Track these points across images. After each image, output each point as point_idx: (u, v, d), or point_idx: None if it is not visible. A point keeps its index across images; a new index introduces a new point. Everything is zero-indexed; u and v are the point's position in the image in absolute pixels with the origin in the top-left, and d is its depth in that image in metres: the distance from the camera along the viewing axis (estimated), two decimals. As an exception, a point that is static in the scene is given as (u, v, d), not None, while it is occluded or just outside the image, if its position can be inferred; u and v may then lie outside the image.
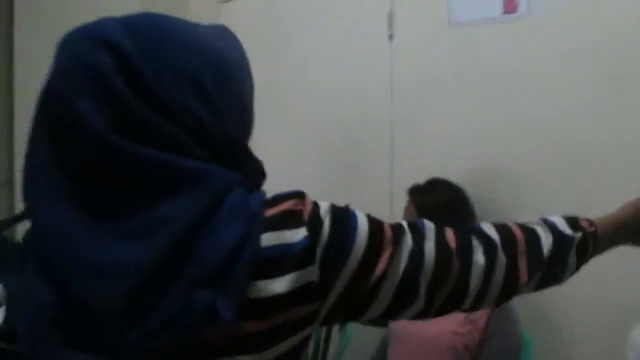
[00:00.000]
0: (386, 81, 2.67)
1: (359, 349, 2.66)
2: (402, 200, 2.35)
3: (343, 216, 0.92)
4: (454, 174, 2.38)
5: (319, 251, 0.88)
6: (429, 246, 0.96)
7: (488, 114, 2.47)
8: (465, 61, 2.50)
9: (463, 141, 2.52)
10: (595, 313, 2.24)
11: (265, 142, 2.83)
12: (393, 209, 2.60)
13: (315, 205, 0.92)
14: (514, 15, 2.36)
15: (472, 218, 2.33)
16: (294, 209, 0.89)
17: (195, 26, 0.95)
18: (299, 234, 0.87)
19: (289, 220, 0.88)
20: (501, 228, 1.04)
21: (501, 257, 1.01)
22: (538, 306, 2.35)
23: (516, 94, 2.42)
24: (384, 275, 0.92)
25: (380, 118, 2.69)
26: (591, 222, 1.14)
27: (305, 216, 0.89)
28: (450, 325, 2.19)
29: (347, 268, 0.89)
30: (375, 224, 0.94)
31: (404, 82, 2.65)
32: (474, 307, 1.02)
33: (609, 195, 1.94)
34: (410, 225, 0.98)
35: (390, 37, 2.65)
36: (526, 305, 2.27)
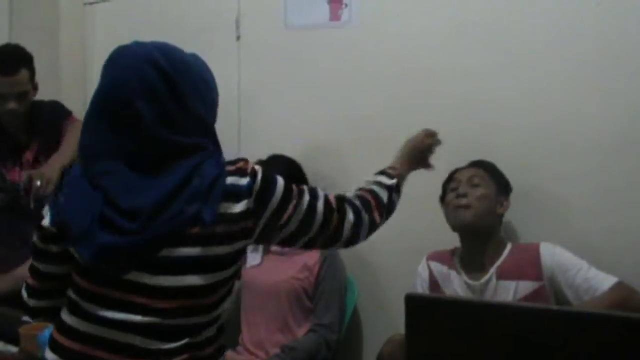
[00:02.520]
0: (234, 75, 3.04)
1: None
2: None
3: (269, 175, 1.50)
4: (290, 151, 2.74)
5: (254, 191, 1.44)
6: (320, 203, 1.56)
7: (318, 103, 2.86)
8: (299, 59, 2.88)
9: (298, 124, 2.90)
10: (400, 255, 2.68)
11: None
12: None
13: (254, 167, 1.48)
14: (338, 22, 2.77)
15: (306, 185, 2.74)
16: (243, 167, 1.47)
17: (192, 55, 1.52)
18: (245, 180, 1.44)
19: (241, 172, 1.46)
20: (359, 197, 1.69)
21: (364, 215, 1.65)
22: (361, 253, 2.75)
23: (340, 88, 2.81)
24: (292, 214, 1.50)
25: (230, 105, 2.99)
26: (394, 168, 1.88)
27: (248, 170, 1.46)
28: (290, 272, 2.61)
29: (270, 204, 1.47)
30: (288, 184, 1.52)
31: (250, 75, 3.02)
32: (348, 245, 1.65)
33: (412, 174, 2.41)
34: (309, 189, 1.57)
35: (238, 37, 3.03)
36: (352, 253, 2.74)
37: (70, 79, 3.41)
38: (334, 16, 2.78)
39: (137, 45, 1.46)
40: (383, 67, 2.73)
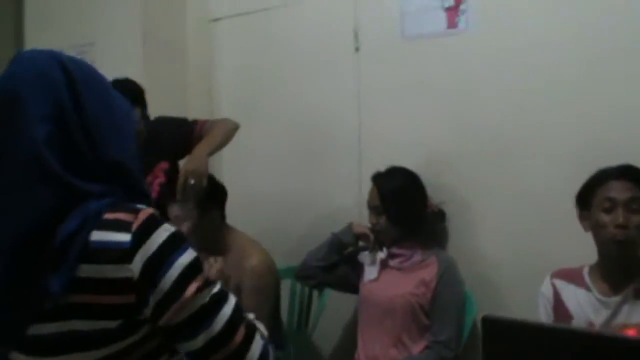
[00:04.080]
0: (354, 88, 3.02)
1: (335, 315, 3.02)
2: (368, 186, 2.66)
3: (175, 243, 1.19)
4: (409, 162, 2.68)
5: (139, 256, 1.13)
6: (228, 306, 1.22)
7: (437, 113, 2.79)
8: (417, 68, 2.82)
9: (416, 135, 2.85)
10: (522, 272, 2.59)
11: (253, 143, 3.26)
12: (361, 193, 2.92)
13: (152, 223, 1.17)
14: (455, 30, 2.70)
15: (425, 198, 2.66)
16: (124, 219, 1.15)
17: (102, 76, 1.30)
18: (124, 237, 1.13)
19: (120, 225, 1.15)
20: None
21: (269, 348, 1.28)
22: (481, 269, 2.71)
23: (459, 97, 2.73)
24: (188, 301, 1.16)
25: (350, 119, 3.03)
26: None
27: (135, 226, 1.15)
28: (407, 288, 2.56)
29: (164, 280, 1.14)
30: (195, 261, 1.20)
31: (369, 88, 2.99)
32: None
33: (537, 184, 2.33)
34: (221, 288, 1.23)
35: (357, 49, 3.01)
36: (471, 268, 2.69)
37: (198, 93, 3.49)
38: (451, 24, 2.72)
39: (49, 50, 1.25)
40: (503, 75, 2.64)
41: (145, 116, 2.69)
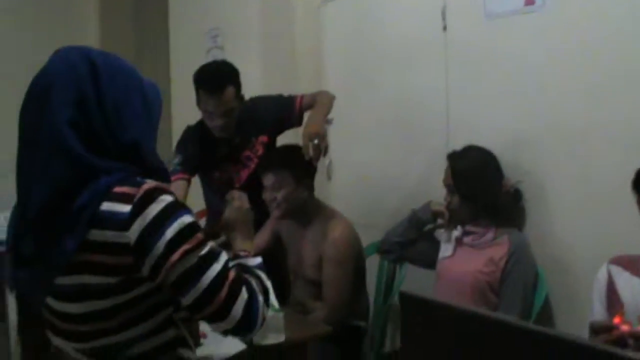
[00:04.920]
0: (442, 68, 3.03)
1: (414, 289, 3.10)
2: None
3: (168, 213, 1.37)
4: (492, 143, 2.67)
5: (136, 224, 1.34)
6: (217, 265, 1.42)
7: (515, 93, 2.74)
8: (497, 48, 2.78)
9: (498, 116, 2.82)
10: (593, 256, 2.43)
11: (356, 124, 3.40)
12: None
13: (150, 195, 1.36)
14: (532, 7, 2.61)
15: (499, 178, 2.65)
16: (129, 192, 1.37)
17: (132, 67, 1.51)
18: (126, 208, 1.35)
19: (124, 198, 1.36)
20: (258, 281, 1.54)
21: (258, 297, 1.49)
22: (553, 249, 2.65)
23: (536, 77, 2.66)
24: (176, 261, 1.36)
25: (439, 100, 3.04)
26: (243, 251, 1.75)
27: (135, 199, 1.35)
28: (477, 266, 2.58)
29: (156, 246, 1.35)
30: (186, 228, 1.38)
31: (456, 68, 2.99)
32: (238, 330, 1.46)
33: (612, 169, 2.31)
34: (212, 247, 1.43)
35: (444, 28, 3.01)
36: (544, 248, 2.64)
37: (307, 76, 3.67)
38: (528, 1, 2.64)
39: (82, 46, 1.48)
40: (581, 55, 2.53)
41: (239, 96, 2.89)
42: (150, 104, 1.51)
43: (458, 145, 2.74)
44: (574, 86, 2.56)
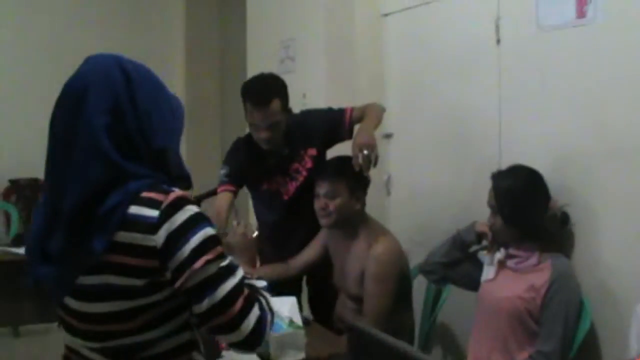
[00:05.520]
0: (495, 81, 2.93)
1: (456, 311, 3.01)
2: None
3: (195, 222, 1.42)
4: (543, 162, 2.56)
5: (163, 229, 1.39)
6: (234, 279, 1.45)
7: (565, 109, 2.62)
8: (549, 61, 2.66)
9: (547, 132, 2.69)
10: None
11: (414, 137, 3.35)
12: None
13: (178, 203, 1.42)
14: (584, 20, 2.48)
15: (545, 200, 2.51)
16: (157, 198, 1.42)
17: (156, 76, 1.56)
18: (153, 212, 1.40)
19: (152, 203, 1.41)
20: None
21: (268, 315, 1.51)
22: (600, 275, 2.51)
23: (587, 93, 2.53)
24: (197, 269, 1.40)
25: (491, 114, 2.95)
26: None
27: (164, 205, 1.40)
28: (517, 291, 2.45)
29: (181, 251, 1.39)
30: (211, 239, 1.43)
31: (509, 82, 2.88)
32: (245, 343, 1.47)
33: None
34: (231, 262, 1.47)
35: (498, 41, 2.91)
36: (589, 274, 2.50)
37: (366, 87, 3.62)
38: (579, 13, 2.51)
39: (112, 53, 1.53)
40: (634, 68, 2.38)
41: (285, 109, 2.89)
42: (174, 111, 1.56)
43: (510, 159, 2.64)
44: (628, 102, 2.41)
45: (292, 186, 3.03)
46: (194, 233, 1.42)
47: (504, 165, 2.69)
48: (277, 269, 3.04)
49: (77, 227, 1.41)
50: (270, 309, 1.57)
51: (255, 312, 1.48)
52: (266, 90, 2.84)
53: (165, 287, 1.45)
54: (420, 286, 2.97)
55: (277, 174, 3.03)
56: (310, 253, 3.02)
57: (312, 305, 3.27)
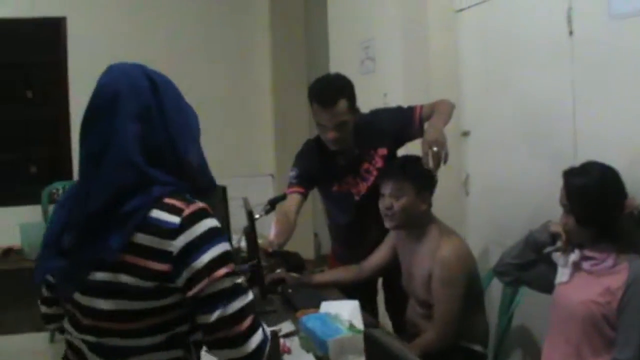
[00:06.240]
0: (568, 74, 2.81)
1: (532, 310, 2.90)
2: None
3: (214, 235, 1.45)
4: (619, 158, 2.43)
5: (182, 237, 1.42)
6: (246, 298, 1.47)
7: None
8: (624, 53, 2.53)
9: (622, 126, 2.57)
10: None
11: (489, 132, 3.26)
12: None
13: (199, 214, 1.45)
14: None
15: (622, 198, 2.36)
16: (179, 206, 1.45)
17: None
18: (174, 219, 1.43)
19: (173, 210, 1.44)
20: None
21: (267, 344, 1.51)
22: None
23: None
24: (212, 280, 1.42)
25: (565, 108, 2.84)
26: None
27: (185, 213, 1.44)
28: (591, 295, 2.33)
29: (197, 261, 1.42)
30: (227, 254, 1.46)
31: (583, 74, 2.76)
32: None
33: None
34: (245, 283, 1.49)
35: (571, 33, 2.78)
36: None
37: (441, 83, 3.55)
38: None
39: (134, 62, 1.56)
40: None
41: (353, 109, 2.87)
42: (192, 118, 1.59)
43: (585, 154, 2.53)
44: None
45: (363, 186, 3.00)
46: (213, 244, 1.45)
47: (579, 161, 2.55)
48: (350, 272, 3.03)
49: (96, 224, 1.44)
50: (269, 337, 1.57)
51: (259, 334, 1.50)
52: (332, 90, 2.83)
53: (172, 293, 1.47)
54: (497, 288, 2.87)
55: (348, 175, 3.02)
56: (380, 255, 2.99)
57: (388, 308, 3.23)
